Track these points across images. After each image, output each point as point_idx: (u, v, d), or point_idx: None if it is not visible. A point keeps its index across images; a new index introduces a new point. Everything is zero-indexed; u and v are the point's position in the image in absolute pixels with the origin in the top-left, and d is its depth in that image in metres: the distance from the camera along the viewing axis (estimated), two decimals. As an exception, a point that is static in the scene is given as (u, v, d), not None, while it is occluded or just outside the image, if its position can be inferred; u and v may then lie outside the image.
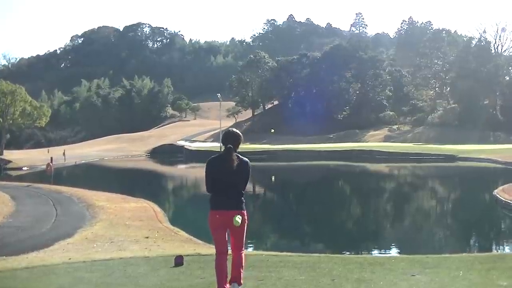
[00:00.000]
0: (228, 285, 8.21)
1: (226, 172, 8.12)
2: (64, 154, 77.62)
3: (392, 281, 9.66)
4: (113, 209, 26.91)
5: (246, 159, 8.33)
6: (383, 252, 20.64)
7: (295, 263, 11.25)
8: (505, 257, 12.75)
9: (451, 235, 26.72)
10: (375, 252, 20.72)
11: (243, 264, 8.34)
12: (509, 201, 28.74)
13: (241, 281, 8.34)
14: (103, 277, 10.81)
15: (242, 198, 8.26)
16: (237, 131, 8.61)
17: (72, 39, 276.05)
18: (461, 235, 26.28)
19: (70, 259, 13.62)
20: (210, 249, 16.18)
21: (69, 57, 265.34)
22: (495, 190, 32.82)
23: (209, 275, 10.55)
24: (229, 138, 8.39)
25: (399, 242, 23.89)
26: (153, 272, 11.25)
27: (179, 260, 11.86)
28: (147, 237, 19.66)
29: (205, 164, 8.28)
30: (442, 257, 12.57)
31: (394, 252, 21.00)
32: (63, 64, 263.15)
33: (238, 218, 8.04)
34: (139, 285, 9.99)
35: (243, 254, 8.31)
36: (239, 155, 8.27)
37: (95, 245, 17.69)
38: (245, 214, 8.23)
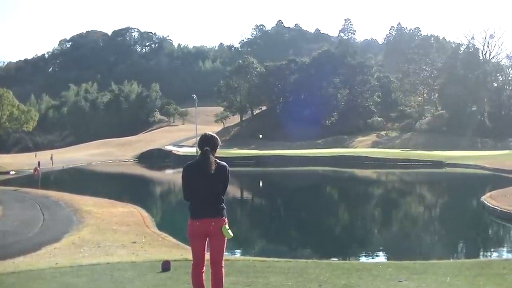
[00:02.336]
0: None
1: (203, 178, 7.75)
2: (51, 158, 77.22)
3: (379, 287, 9.68)
4: (100, 214, 26.84)
5: (224, 163, 7.94)
6: (371, 258, 20.67)
7: (283, 268, 11.25)
8: (492, 263, 12.79)
9: (439, 241, 26.78)
10: (363, 258, 20.73)
11: (223, 280, 7.88)
12: (496, 207, 28.81)
13: None
14: (89, 282, 10.79)
15: (223, 204, 7.84)
16: (214, 134, 8.17)
17: (60, 43, 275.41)
18: (448, 241, 26.33)
19: (57, 264, 13.56)
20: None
21: (57, 61, 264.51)
22: (483, 196, 32.89)
23: (196, 280, 10.53)
24: (205, 142, 7.95)
25: (387, 248, 23.90)
26: (140, 277, 11.22)
27: (166, 265, 11.85)
28: (134, 242, 19.61)
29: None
30: (430, 263, 12.62)
31: (381, 258, 21.03)
32: (51, 68, 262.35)
33: (227, 230, 7.68)
34: (126, 290, 9.96)
35: (223, 269, 7.85)
36: (216, 159, 7.89)
37: (82, 250, 17.64)
38: (226, 221, 7.78)
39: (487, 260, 16.57)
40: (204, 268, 7.85)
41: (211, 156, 7.82)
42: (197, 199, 7.82)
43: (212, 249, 7.81)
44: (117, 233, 22.00)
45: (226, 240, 7.84)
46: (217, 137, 8.13)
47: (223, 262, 7.85)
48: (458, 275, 10.78)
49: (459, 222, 31.35)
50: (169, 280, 10.76)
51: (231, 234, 7.73)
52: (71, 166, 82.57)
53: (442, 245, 25.24)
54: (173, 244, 20.23)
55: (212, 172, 7.75)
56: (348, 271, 11.13)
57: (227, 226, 7.72)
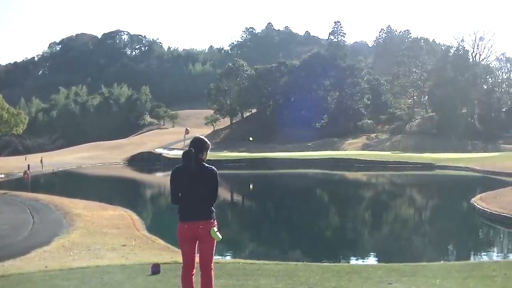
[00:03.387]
0: None
1: (188, 179, 7.78)
2: (41, 161, 77.07)
3: (369, 289, 9.70)
4: (90, 217, 26.76)
5: (212, 167, 7.86)
6: (361, 261, 20.69)
7: (272, 271, 11.24)
8: (481, 265, 12.83)
9: (429, 243, 26.83)
10: (353, 261, 20.76)
11: (213, 283, 7.87)
12: (486, 210, 28.92)
13: None
14: (79, 285, 10.77)
15: (212, 207, 7.81)
16: (203, 137, 8.17)
17: (50, 46, 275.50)
18: (439, 243, 26.38)
19: (46, 267, 13.53)
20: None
21: (47, 64, 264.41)
22: (473, 199, 33.02)
23: (186, 283, 10.52)
24: (192, 143, 7.93)
25: (377, 251, 23.94)
26: (130, 280, 11.21)
27: (155, 268, 11.84)
28: (124, 245, 19.57)
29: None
30: (419, 265, 12.65)
31: (371, 260, 21.06)
32: (41, 71, 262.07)
33: (215, 232, 7.67)
34: (116, 293, 9.95)
35: (212, 272, 7.83)
36: (205, 163, 7.87)
37: (72, 253, 17.59)
38: (215, 224, 7.77)
39: (477, 262, 16.64)
40: (194, 270, 7.84)
41: (194, 156, 7.79)
42: (184, 201, 7.85)
43: (201, 252, 7.79)
44: (107, 236, 21.95)
45: (215, 243, 7.83)
46: (206, 140, 8.09)
47: (212, 264, 7.84)
48: (448, 277, 10.80)
49: (449, 224, 31.43)
50: (158, 283, 10.75)
51: (220, 237, 7.70)
52: (61, 169, 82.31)
53: (432, 247, 25.29)
54: (163, 247, 20.20)
55: (196, 172, 7.76)
56: (338, 274, 11.14)
57: (215, 229, 7.70)
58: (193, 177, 7.77)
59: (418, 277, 10.83)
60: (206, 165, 7.90)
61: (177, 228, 7.84)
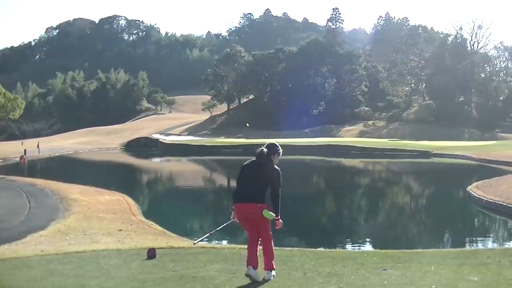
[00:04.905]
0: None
1: (253, 170, 9.91)
2: (38, 146, 76.84)
3: (364, 275, 9.74)
4: (86, 201, 26.76)
5: (277, 168, 9.95)
6: (356, 247, 20.73)
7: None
8: (476, 252, 12.88)
9: (425, 230, 26.87)
10: (348, 247, 20.79)
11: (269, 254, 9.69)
12: (482, 198, 28.95)
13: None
14: (75, 269, 10.80)
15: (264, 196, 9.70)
16: (277, 144, 10.33)
17: (47, 31, 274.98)
18: (434, 230, 26.43)
19: (42, 251, 13.56)
20: (183, 242, 16.21)
21: (44, 49, 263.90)
22: (469, 187, 33.06)
23: (182, 268, 10.59)
24: (267, 146, 10.08)
25: (373, 238, 23.97)
26: (126, 264, 11.24)
27: (151, 253, 11.87)
28: (120, 230, 19.57)
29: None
30: (414, 252, 12.70)
31: (367, 247, 21.10)
32: (37, 56, 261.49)
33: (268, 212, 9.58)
34: (111, 277, 9.98)
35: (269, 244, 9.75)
36: (273, 164, 9.95)
37: (67, 238, 17.59)
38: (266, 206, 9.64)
39: (472, 250, 16.67)
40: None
41: (266, 156, 9.85)
42: (241, 186, 9.87)
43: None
44: (103, 221, 21.95)
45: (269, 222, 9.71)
46: (278, 145, 10.25)
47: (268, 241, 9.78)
48: (443, 264, 10.84)
49: (445, 212, 31.46)
50: (154, 267, 10.78)
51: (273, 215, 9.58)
52: (57, 154, 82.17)
53: (428, 235, 25.34)
54: (159, 232, 20.22)
55: (262, 167, 9.73)
56: (333, 260, 11.18)
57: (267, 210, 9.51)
58: (257, 169, 9.73)
59: (412, 263, 10.86)
60: (274, 165, 9.87)
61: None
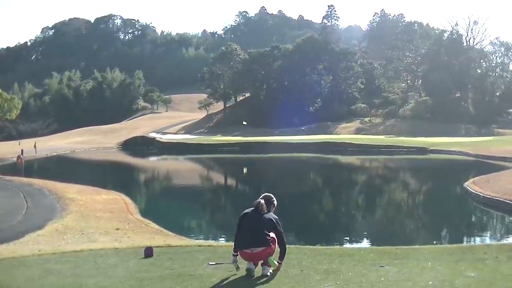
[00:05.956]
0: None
1: (250, 220, 10.15)
2: (35, 146, 76.79)
3: (361, 272, 9.76)
4: (84, 201, 26.75)
5: (273, 217, 10.28)
6: (354, 244, 20.77)
7: (265, 254, 11.31)
8: (473, 248, 12.89)
9: (422, 227, 26.90)
10: (346, 244, 20.82)
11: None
12: (479, 193, 28.99)
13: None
14: (73, 269, 10.80)
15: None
16: (272, 196, 10.68)
17: (43, 31, 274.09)
18: (431, 227, 26.45)
19: (40, 251, 13.55)
20: (180, 241, 16.23)
21: (40, 49, 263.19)
22: (466, 182, 33.07)
23: (179, 266, 10.60)
24: (264, 197, 10.46)
25: (370, 234, 24.02)
26: (123, 263, 11.25)
27: (149, 252, 11.87)
28: (117, 229, 19.58)
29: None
30: (411, 248, 12.71)
31: (364, 244, 21.13)
32: (34, 56, 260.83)
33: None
34: (109, 276, 10.00)
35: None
36: (270, 213, 10.31)
37: (65, 237, 17.60)
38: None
39: (469, 246, 16.68)
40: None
41: (261, 207, 10.17)
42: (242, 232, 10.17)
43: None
44: (100, 220, 21.96)
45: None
46: (273, 197, 10.60)
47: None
48: (440, 260, 10.87)
49: (442, 208, 31.51)
50: (151, 266, 10.80)
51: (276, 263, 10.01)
52: (54, 154, 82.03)
53: (425, 231, 25.38)
54: (156, 231, 20.23)
55: (259, 217, 10.07)
56: (330, 257, 11.21)
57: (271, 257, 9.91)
58: (256, 218, 10.07)
59: (410, 260, 10.90)
60: (270, 214, 10.25)
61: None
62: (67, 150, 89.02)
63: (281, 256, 10.05)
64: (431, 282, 8.93)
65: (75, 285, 9.42)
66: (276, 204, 10.54)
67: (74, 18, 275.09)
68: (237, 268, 9.82)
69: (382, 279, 9.23)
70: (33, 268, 10.94)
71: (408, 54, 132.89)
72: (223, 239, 20.37)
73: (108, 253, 12.74)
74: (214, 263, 10.87)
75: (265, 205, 10.18)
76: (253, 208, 10.20)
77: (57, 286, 9.48)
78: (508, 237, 22.46)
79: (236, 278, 9.50)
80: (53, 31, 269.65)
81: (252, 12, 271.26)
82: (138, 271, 10.32)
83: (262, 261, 9.79)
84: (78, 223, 20.81)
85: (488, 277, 9.35)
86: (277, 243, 9.95)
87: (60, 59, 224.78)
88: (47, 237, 17.72)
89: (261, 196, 10.43)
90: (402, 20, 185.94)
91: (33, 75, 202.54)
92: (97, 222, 21.35)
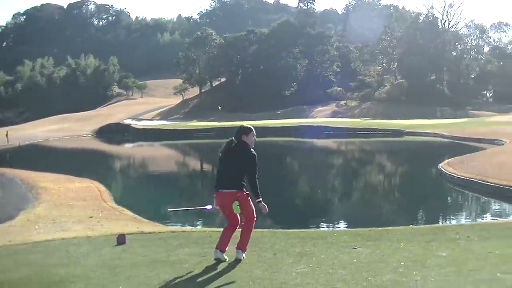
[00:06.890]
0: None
1: (225, 154, 10.08)
2: (7, 135, 76.28)
3: (334, 254, 9.76)
4: (57, 189, 26.54)
5: (253, 152, 9.87)
6: (328, 227, 20.78)
7: (238, 238, 11.23)
8: (445, 228, 12.97)
9: (397, 208, 27.04)
10: (321, 227, 20.83)
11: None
12: (453, 174, 29.18)
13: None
14: (44, 259, 10.66)
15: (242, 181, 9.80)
16: (248, 125, 10.43)
17: (14, 17, 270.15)
18: (405, 208, 26.60)
19: (10, 241, 13.39)
20: (153, 227, 16.15)
21: (11, 35, 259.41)
22: (440, 164, 33.28)
23: (152, 252, 10.54)
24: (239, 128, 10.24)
25: (344, 217, 24.08)
26: (95, 251, 11.15)
27: (121, 239, 11.78)
28: (90, 217, 19.42)
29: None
30: (385, 230, 12.72)
31: (339, 226, 21.16)
32: (4, 43, 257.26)
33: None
34: (81, 265, 9.90)
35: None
36: (249, 147, 9.90)
37: (37, 227, 17.42)
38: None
39: (441, 226, 16.77)
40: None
41: (235, 140, 9.92)
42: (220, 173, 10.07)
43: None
44: (73, 208, 21.79)
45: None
46: (249, 127, 10.31)
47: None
48: (412, 240, 10.92)
49: (417, 189, 31.73)
50: (124, 253, 10.71)
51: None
52: (27, 142, 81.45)
53: (399, 213, 25.49)
54: (130, 218, 20.11)
55: (235, 150, 9.82)
56: (303, 240, 11.20)
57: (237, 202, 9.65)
58: (231, 153, 9.83)
59: (382, 241, 10.92)
60: (249, 148, 9.81)
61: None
62: (41, 139, 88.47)
63: (257, 195, 9.88)
64: (403, 263, 8.94)
65: (45, 275, 9.30)
66: (254, 134, 10.30)
67: (47, 3, 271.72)
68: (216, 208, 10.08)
69: (355, 260, 9.23)
70: (3, 259, 10.78)
71: (383, 37, 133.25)
72: (197, 225, 20.28)
73: (81, 241, 12.62)
74: (173, 209, 10.99)
75: (236, 136, 10.07)
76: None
77: (27, 276, 9.35)
78: (480, 217, 22.61)
79: (209, 264, 9.44)
80: (24, 17, 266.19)
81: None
82: (111, 259, 10.22)
83: (239, 244, 9.66)
84: (51, 212, 20.64)
85: (459, 256, 9.39)
86: (249, 184, 9.90)
87: (32, 46, 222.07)
88: (18, 227, 17.53)
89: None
90: (378, 4, 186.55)
91: (4, 62, 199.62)
92: (70, 210, 21.18)
